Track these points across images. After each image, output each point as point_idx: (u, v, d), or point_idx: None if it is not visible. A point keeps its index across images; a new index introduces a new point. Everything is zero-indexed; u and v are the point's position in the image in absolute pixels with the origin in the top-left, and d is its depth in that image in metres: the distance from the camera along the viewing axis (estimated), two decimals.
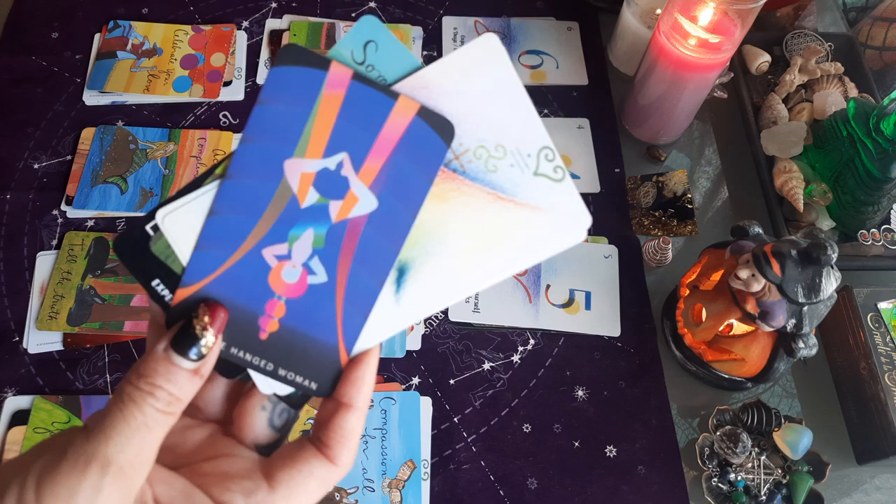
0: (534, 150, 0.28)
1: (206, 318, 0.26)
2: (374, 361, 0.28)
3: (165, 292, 0.28)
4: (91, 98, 0.72)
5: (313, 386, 0.28)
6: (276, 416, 0.29)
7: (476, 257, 0.28)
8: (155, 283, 0.28)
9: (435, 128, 0.27)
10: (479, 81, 0.28)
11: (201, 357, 0.26)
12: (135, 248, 0.28)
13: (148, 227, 0.28)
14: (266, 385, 0.28)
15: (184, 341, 0.25)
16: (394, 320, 0.29)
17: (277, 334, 0.28)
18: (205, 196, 0.28)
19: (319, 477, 0.26)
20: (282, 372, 0.28)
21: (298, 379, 0.28)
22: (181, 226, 0.28)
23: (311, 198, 0.28)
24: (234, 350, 0.28)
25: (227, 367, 0.28)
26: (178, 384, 0.25)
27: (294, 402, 0.29)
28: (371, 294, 0.28)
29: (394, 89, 0.28)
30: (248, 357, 0.28)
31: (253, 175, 0.28)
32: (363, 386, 0.28)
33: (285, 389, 0.28)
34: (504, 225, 0.28)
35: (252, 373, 0.28)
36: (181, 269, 0.28)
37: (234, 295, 0.28)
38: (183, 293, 0.28)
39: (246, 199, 0.28)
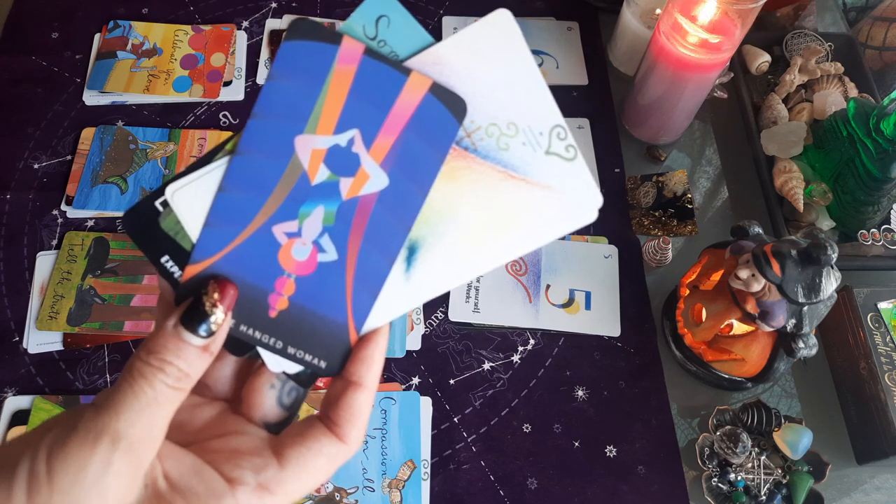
0: (546, 129, 0.28)
1: (216, 295, 0.26)
2: (383, 340, 0.28)
3: (175, 269, 0.27)
4: (91, 98, 0.72)
5: (322, 364, 0.28)
6: (284, 394, 0.29)
7: (486, 236, 0.28)
8: (164, 259, 0.27)
9: (447, 105, 0.27)
10: (492, 58, 0.27)
11: (211, 334, 0.26)
12: (144, 224, 0.28)
13: (157, 203, 0.27)
14: (275, 363, 0.28)
15: (193, 318, 0.25)
16: (404, 299, 0.28)
17: (287, 312, 0.28)
18: (214, 172, 0.27)
19: (329, 455, 0.26)
20: (291, 350, 0.28)
21: (308, 357, 0.28)
22: (191, 202, 0.27)
23: (321, 175, 0.27)
24: (243, 327, 0.28)
25: (236, 344, 0.28)
26: (187, 360, 0.25)
27: (303, 381, 0.29)
28: (381, 272, 0.28)
29: (406, 65, 0.27)
30: (258, 335, 0.28)
31: (263, 151, 0.27)
32: (373, 364, 0.28)
33: (294, 367, 0.28)
34: (515, 204, 0.28)
35: (261, 351, 0.28)
36: (191, 246, 0.27)
37: (244, 272, 0.28)
38: (193, 270, 0.27)
39: (256, 176, 0.27)
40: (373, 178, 0.27)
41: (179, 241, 0.27)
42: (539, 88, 0.27)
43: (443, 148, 0.27)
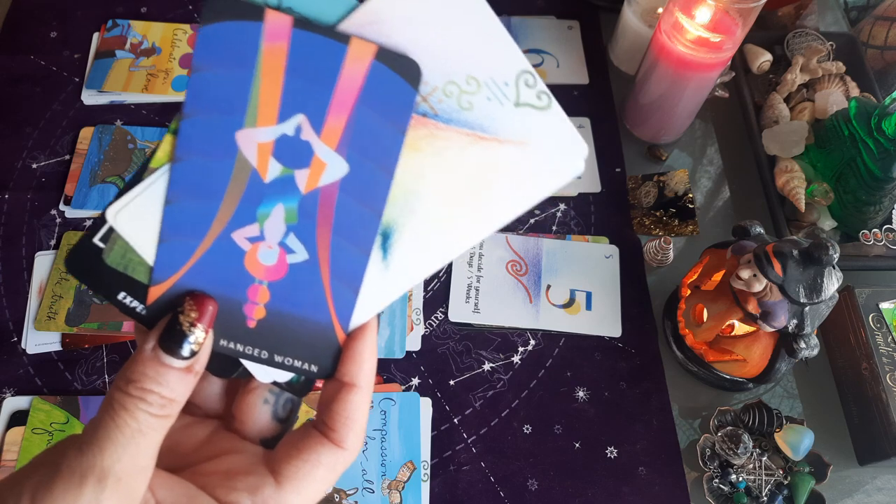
0: (511, 78, 0.24)
1: (193, 314, 0.25)
2: (372, 335, 0.27)
3: (135, 303, 0.26)
4: (89, 97, 0.71)
5: (313, 368, 0.27)
6: (279, 407, 0.28)
7: (464, 207, 0.25)
8: (121, 296, 0.26)
9: (398, 70, 0.24)
10: (436, 5, 0.24)
11: (193, 354, 0.24)
12: (89, 265, 0.25)
13: (96, 240, 0.25)
14: (264, 374, 0.27)
15: (172, 339, 0.24)
16: (387, 288, 0.26)
17: (266, 320, 0.26)
18: (156, 185, 0.25)
19: (327, 464, 0.25)
20: (278, 358, 0.27)
21: (297, 363, 0.27)
22: (136, 221, 0.25)
23: (273, 170, 0.25)
24: (223, 342, 0.26)
25: (221, 365, 0.27)
26: (169, 386, 0.23)
27: (297, 389, 0.28)
28: (358, 265, 0.26)
29: (341, 31, 0.24)
30: (240, 347, 0.26)
31: (204, 153, 0.25)
32: (364, 362, 0.26)
33: (284, 376, 0.27)
34: (490, 167, 0.25)
35: (247, 363, 0.27)
36: (145, 276, 0.26)
37: (212, 285, 0.26)
38: (157, 291, 0.26)
39: (202, 182, 0.25)
40: (330, 166, 0.25)
41: (131, 273, 0.26)
42: (496, 32, 0.24)
43: (401, 120, 0.24)
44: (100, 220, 0.25)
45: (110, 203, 0.25)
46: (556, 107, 0.25)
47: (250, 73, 0.24)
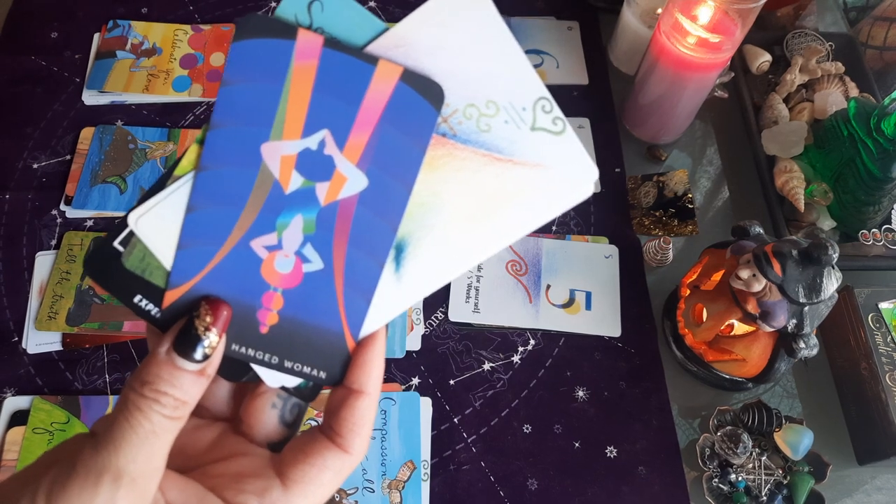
0: (528, 103, 0.26)
1: (209, 318, 0.25)
2: (381, 344, 0.27)
3: (150, 307, 0.26)
4: (90, 98, 0.72)
5: (322, 375, 0.27)
6: (287, 411, 0.28)
7: (477, 225, 0.27)
8: (137, 299, 0.26)
9: (421, 92, 0.25)
10: (461, 31, 0.25)
11: (206, 358, 0.25)
12: (107, 268, 0.26)
13: (116, 244, 0.26)
14: (273, 378, 0.28)
15: (186, 343, 0.25)
16: (398, 300, 0.27)
17: (278, 326, 0.27)
18: (179, 192, 0.26)
19: (334, 468, 0.26)
20: (288, 364, 0.27)
21: (306, 369, 0.27)
22: (157, 227, 0.26)
23: (295, 182, 0.26)
24: (234, 346, 0.27)
25: (231, 368, 0.27)
26: (182, 388, 0.24)
27: (305, 395, 0.28)
28: (372, 276, 0.27)
29: (369, 52, 0.25)
30: (251, 352, 0.27)
31: (229, 163, 0.26)
32: (372, 370, 0.27)
33: (293, 381, 0.28)
34: (504, 187, 0.26)
35: (257, 367, 0.27)
36: (162, 281, 0.26)
37: (228, 291, 0.26)
38: (173, 295, 0.26)
39: (225, 190, 0.26)
40: (350, 180, 0.26)
41: (148, 277, 0.26)
42: (517, 60, 0.25)
43: (422, 139, 0.26)
44: (120, 224, 0.26)
45: (132, 208, 0.26)
46: (570, 132, 0.26)
47: (279, 88, 0.25)
